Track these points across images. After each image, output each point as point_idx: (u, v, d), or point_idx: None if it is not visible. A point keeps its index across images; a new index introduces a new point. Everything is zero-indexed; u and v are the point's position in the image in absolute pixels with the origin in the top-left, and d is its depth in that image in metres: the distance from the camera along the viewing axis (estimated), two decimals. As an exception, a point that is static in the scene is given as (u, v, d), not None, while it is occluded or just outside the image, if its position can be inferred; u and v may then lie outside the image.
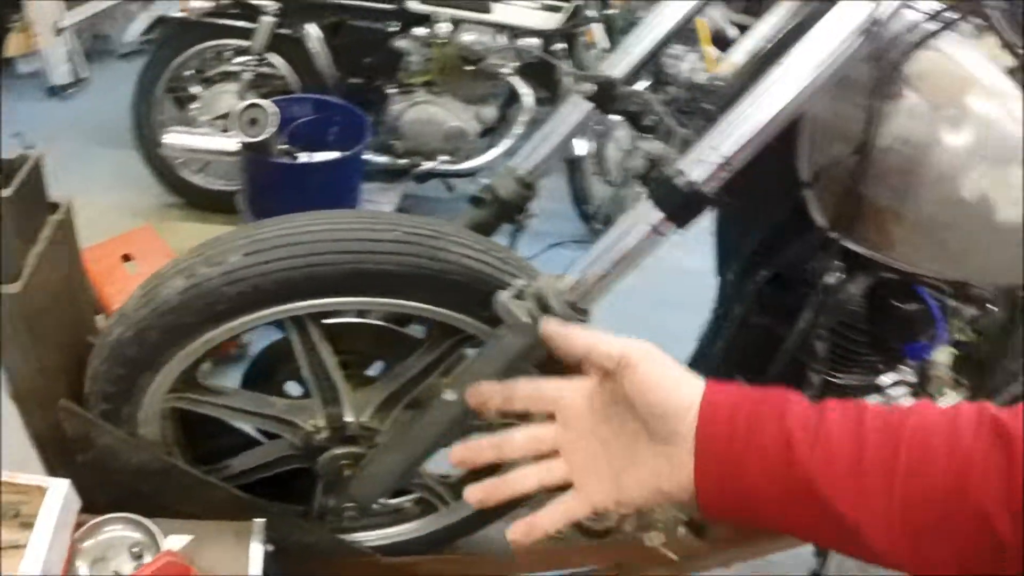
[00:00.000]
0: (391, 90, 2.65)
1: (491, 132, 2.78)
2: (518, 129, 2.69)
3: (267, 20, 2.51)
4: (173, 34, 2.65)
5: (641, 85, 1.18)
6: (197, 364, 1.15)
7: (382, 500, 1.41)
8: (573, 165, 2.73)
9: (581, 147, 2.59)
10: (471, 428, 1.14)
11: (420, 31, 2.54)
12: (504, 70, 2.59)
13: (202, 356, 1.12)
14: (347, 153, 2.08)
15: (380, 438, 1.21)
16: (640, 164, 0.99)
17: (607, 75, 1.13)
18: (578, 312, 0.98)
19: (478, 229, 1.22)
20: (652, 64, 1.16)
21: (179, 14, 2.58)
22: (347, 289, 1.05)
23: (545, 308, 0.97)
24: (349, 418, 1.20)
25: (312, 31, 2.53)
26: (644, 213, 0.95)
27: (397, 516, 1.46)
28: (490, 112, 2.72)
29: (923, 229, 1.08)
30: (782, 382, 1.12)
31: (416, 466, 1.17)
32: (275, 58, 2.61)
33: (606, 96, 1.12)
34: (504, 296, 1.01)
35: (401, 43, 2.55)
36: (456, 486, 1.41)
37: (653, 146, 0.97)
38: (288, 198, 1.96)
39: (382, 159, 2.67)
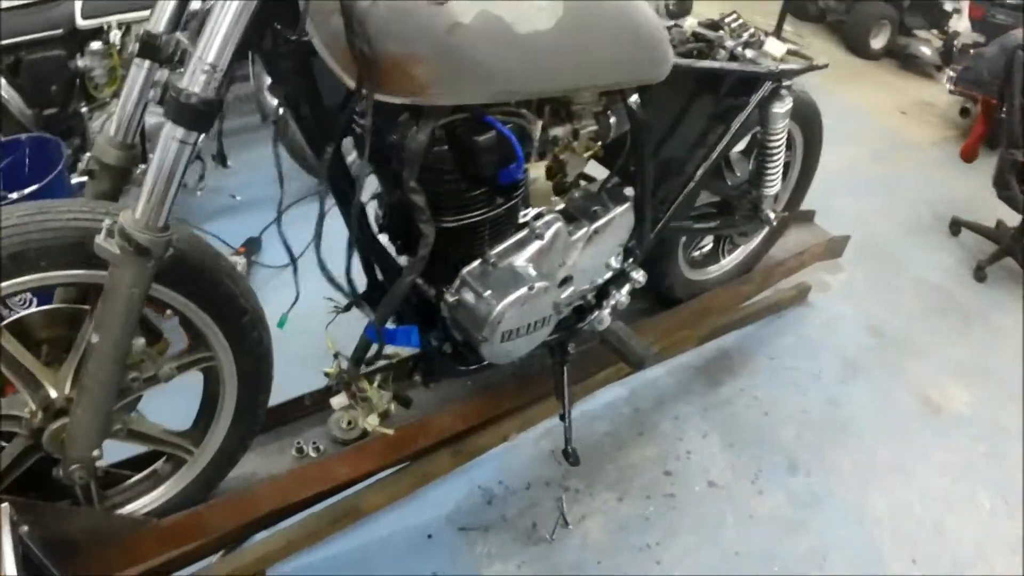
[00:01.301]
0: (85, 109, 2.82)
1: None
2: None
3: (-51, 81, 2.66)
4: None
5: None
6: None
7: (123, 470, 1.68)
8: (276, 124, 2.98)
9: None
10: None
11: (95, 45, 2.73)
12: (187, 54, 2.81)
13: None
14: (45, 181, 2.27)
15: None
16: (155, 94, 1.24)
17: (147, 30, 1.37)
18: (158, 232, 1.24)
19: (103, 198, 1.46)
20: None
21: None
22: None
23: (127, 238, 1.21)
24: (54, 394, 1.42)
25: (-6, 80, 2.69)
26: (169, 133, 1.20)
27: (157, 479, 1.70)
28: None
29: (443, 63, 1.24)
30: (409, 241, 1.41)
31: (107, 409, 1.39)
32: (-28, 117, 2.76)
33: (151, 48, 1.36)
34: (99, 238, 1.23)
35: (81, 63, 2.74)
36: (192, 435, 1.68)
37: (160, 74, 1.24)
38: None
39: (100, 178, 2.84)
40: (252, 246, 2.97)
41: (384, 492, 2.10)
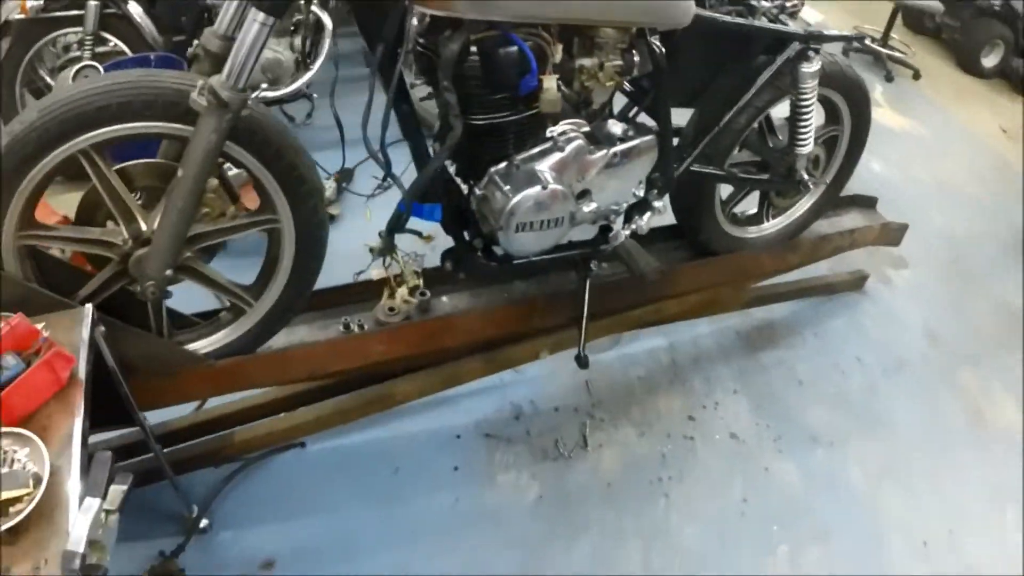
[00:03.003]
0: (210, 39, 3.33)
1: (304, 57, 3.49)
2: (324, 51, 3.40)
3: (92, 4, 3.19)
4: (19, 34, 3.32)
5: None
6: (31, 204, 1.78)
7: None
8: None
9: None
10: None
11: (225, -17, 3.22)
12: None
13: (33, 195, 1.77)
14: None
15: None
16: None
17: None
18: (239, 92, 1.65)
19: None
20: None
21: (19, 15, 3.26)
22: (105, 120, 1.69)
23: (214, 94, 1.64)
24: (144, 228, 1.84)
25: (133, 6, 3.23)
26: (252, 16, 1.63)
27: (218, 325, 2.10)
28: (299, 40, 3.42)
29: None
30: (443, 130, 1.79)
31: (182, 234, 1.79)
32: (109, 36, 3.31)
33: None
34: (193, 94, 1.67)
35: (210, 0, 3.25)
36: (253, 289, 2.07)
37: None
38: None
39: (211, 99, 3.36)
40: (345, 175, 3.41)
41: (415, 384, 2.46)
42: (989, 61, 5.98)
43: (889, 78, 5.65)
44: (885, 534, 2.54)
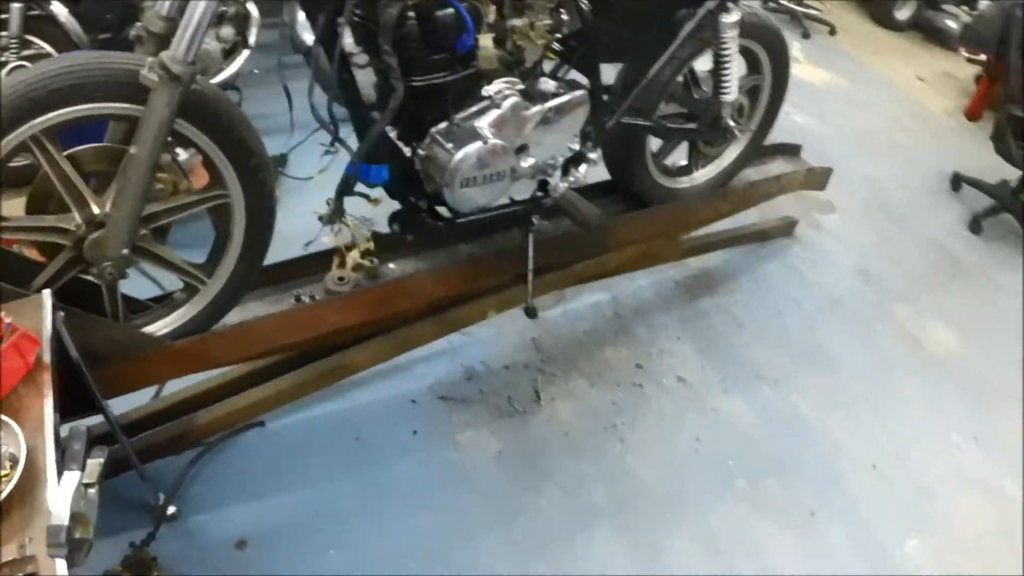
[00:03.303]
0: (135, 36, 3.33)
1: (232, 48, 3.52)
2: (252, 39, 3.44)
3: (16, 7, 3.17)
4: (-60, 46, 3.28)
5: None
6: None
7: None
8: (307, 57, 3.50)
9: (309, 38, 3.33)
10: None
11: (148, -22, 3.22)
12: (232, -8, 3.35)
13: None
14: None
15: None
16: None
17: None
18: (189, 65, 1.71)
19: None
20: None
21: (-57, 23, 3.22)
22: (53, 105, 1.72)
23: (165, 68, 1.69)
24: (96, 211, 1.88)
25: (57, 7, 3.22)
26: None
27: (173, 304, 2.14)
28: (228, 31, 3.45)
29: None
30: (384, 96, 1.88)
31: (137, 211, 1.84)
32: (33, 39, 3.29)
33: None
34: (143, 71, 1.72)
35: (132, -7, 3.26)
36: (206, 267, 2.13)
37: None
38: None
39: (142, 93, 3.38)
40: (279, 160, 3.45)
41: (368, 352, 2.53)
42: (902, 14, 6.26)
43: (806, 35, 5.89)
44: (836, 461, 2.71)
